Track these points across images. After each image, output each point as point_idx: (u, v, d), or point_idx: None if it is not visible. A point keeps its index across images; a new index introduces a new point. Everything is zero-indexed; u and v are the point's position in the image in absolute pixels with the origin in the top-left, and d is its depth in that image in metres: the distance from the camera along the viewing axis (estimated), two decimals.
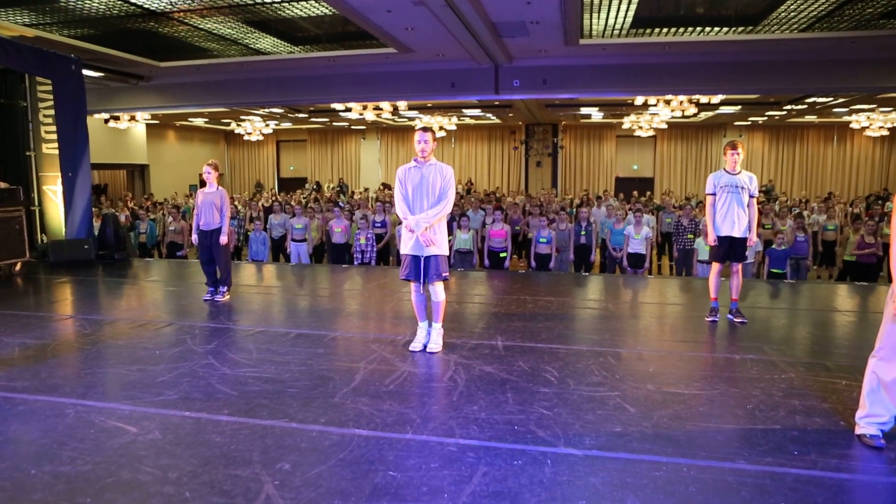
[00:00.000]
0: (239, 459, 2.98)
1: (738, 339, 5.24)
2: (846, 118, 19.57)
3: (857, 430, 3.21)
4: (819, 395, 3.83)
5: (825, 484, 2.78)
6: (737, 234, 5.57)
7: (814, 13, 8.65)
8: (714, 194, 5.64)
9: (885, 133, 18.92)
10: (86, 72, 10.37)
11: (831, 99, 15.84)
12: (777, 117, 20.46)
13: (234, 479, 2.80)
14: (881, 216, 11.03)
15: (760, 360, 4.54)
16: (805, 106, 17.00)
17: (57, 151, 9.58)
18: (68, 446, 3.13)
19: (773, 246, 8.66)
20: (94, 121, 16.05)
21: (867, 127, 18.42)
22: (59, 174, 9.60)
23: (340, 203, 14.04)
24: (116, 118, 17.29)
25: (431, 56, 11.14)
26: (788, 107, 17.40)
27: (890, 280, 3.13)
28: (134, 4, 8.42)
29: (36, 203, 9.90)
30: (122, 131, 19.02)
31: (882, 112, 17.61)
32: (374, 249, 9.65)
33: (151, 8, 8.57)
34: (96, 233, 10.08)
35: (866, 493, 2.82)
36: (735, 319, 5.69)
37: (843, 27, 9.25)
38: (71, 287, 7.76)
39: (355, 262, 9.57)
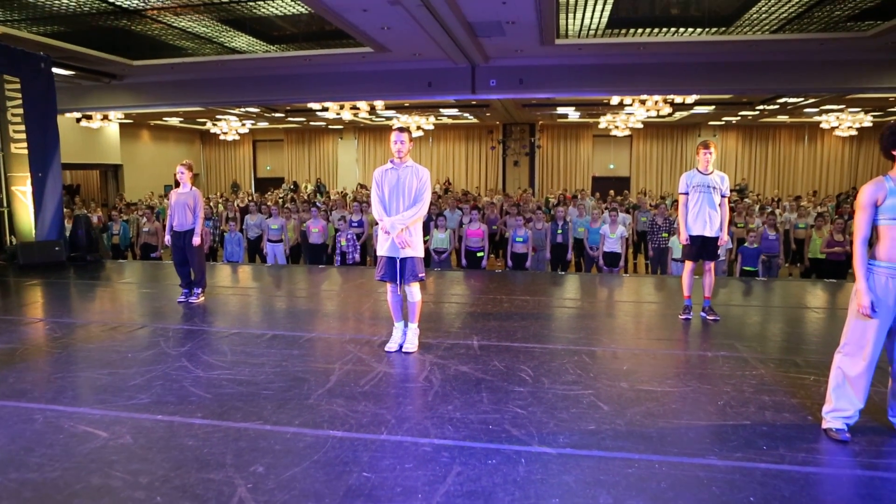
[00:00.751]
0: (212, 463, 2.95)
1: (710, 336, 5.32)
2: (816, 118, 19.99)
3: (824, 425, 3.28)
4: (788, 391, 3.91)
5: (793, 478, 2.84)
6: (709, 233, 5.65)
7: (784, 15, 8.81)
8: (687, 194, 5.71)
9: (854, 133, 19.36)
10: (56, 70, 10.18)
11: (802, 99, 16.15)
12: (750, 117, 20.81)
13: (206, 482, 2.78)
14: (850, 214, 11.27)
15: (732, 357, 4.61)
16: (777, 106, 17.31)
17: (26, 151, 9.38)
18: (36, 452, 3.07)
19: (746, 244, 8.81)
20: (66, 120, 15.77)
21: (836, 127, 18.86)
22: (29, 174, 9.41)
23: (318, 203, 13.95)
24: (89, 117, 17.01)
25: (408, 56, 11.13)
26: (761, 107, 17.70)
27: None
28: (106, 2, 8.28)
29: (4, 204, 9.66)
30: (95, 131, 18.72)
31: (850, 112, 18.04)
32: (357, 249, 9.63)
33: (124, 5, 8.44)
34: (68, 234, 9.91)
35: (832, 485, 2.88)
36: (708, 317, 5.77)
37: (812, 29, 9.44)
38: (41, 290, 7.61)
39: (336, 264, 9.53)
